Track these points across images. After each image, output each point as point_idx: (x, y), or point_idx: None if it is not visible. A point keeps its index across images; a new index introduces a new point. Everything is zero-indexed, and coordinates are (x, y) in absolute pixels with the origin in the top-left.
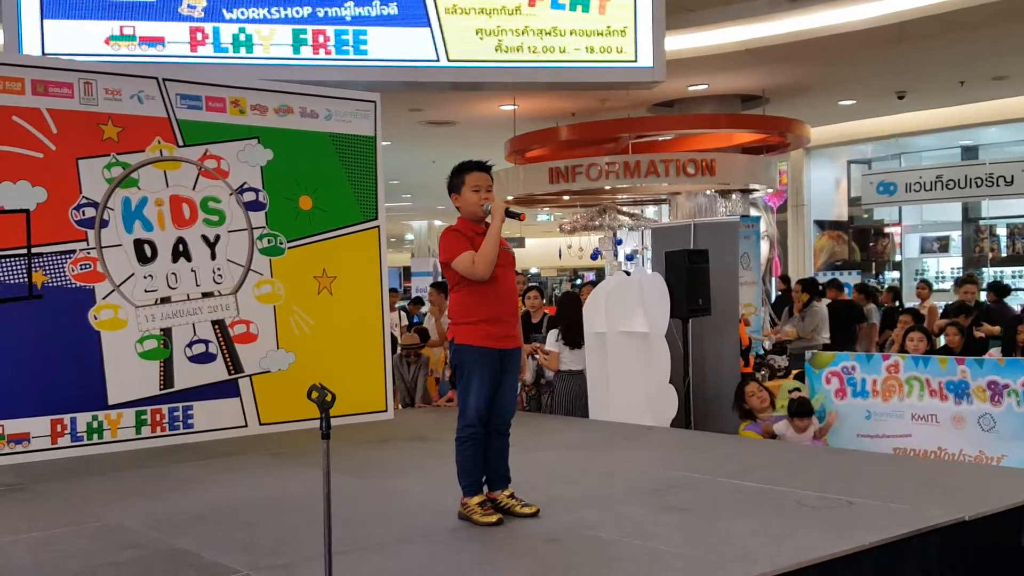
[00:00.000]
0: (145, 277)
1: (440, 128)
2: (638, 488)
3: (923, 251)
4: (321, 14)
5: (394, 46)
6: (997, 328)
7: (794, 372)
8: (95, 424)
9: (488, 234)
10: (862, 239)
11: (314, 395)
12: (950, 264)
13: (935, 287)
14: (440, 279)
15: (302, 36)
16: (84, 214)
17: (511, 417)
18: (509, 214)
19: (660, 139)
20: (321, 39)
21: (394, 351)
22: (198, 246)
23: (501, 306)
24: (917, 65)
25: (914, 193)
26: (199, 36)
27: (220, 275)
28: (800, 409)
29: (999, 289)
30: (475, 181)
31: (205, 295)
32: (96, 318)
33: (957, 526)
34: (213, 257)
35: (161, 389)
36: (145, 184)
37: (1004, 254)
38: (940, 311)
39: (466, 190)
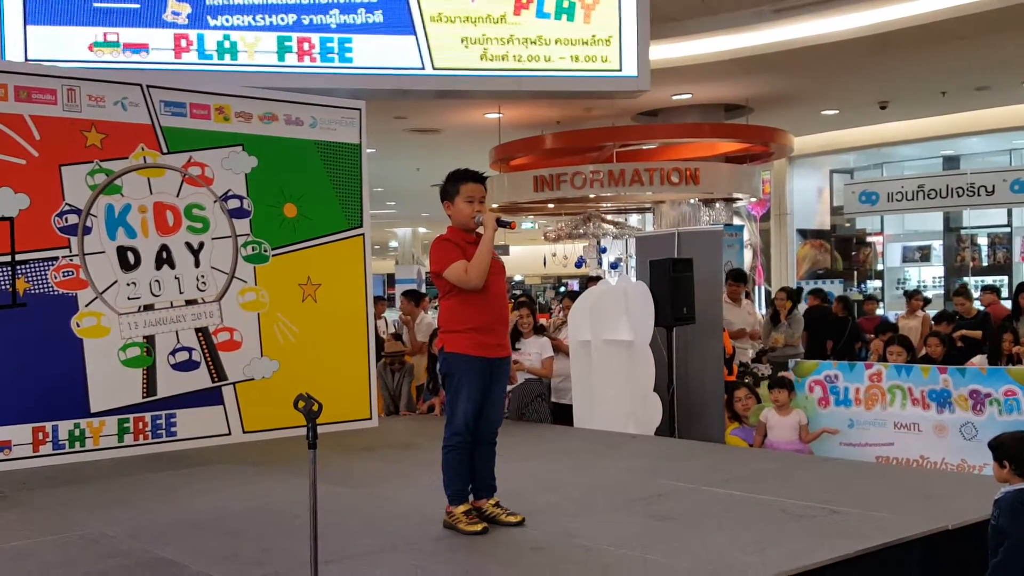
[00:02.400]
0: (128, 284)
1: (425, 136)
2: (623, 497)
3: (905, 260)
4: (306, 21)
5: (379, 54)
6: (979, 332)
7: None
8: (77, 432)
9: (480, 244)
10: (844, 248)
11: (301, 405)
12: (932, 273)
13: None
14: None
15: (287, 43)
16: (67, 221)
17: (498, 426)
18: (500, 223)
19: (644, 148)
20: (306, 47)
21: (378, 359)
22: (182, 253)
23: (491, 315)
24: (899, 75)
25: (896, 203)
26: (183, 43)
27: (204, 282)
28: (776, 382)
29: None
30: (469, 192)
31: (189, 302)
32: (79, 325)
33: (940, 535)
34: (197, 264)
35: (144, 397)
36: (128, 191)
37: (985, 263)
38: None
39: (459, 200)
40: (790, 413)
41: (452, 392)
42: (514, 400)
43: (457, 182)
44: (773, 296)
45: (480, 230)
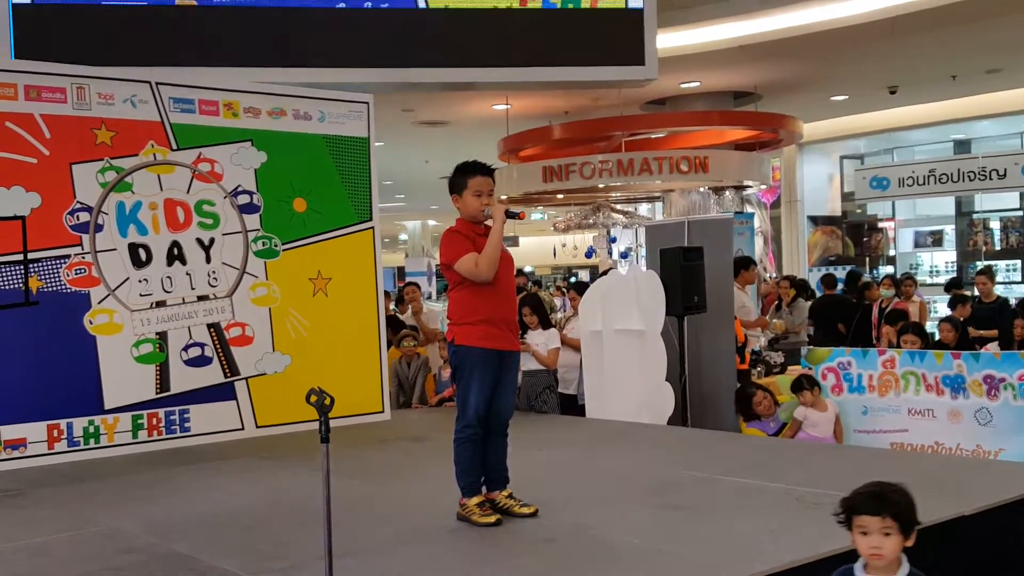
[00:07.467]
0: (140, 281)
1: (433, 128)
2: (636, 487)
3: (917, 245)
4: None
5: None
6: (994, 331)
7: (790, 368)
8: (92, 429)
9: (490, 237)
10: (856, 234)
11: (313, 399)
12: (944, 258)
13: (928, 281)
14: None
15: None
16: (78, 219)
17: (509, 417)
18: (509, 215)
19: (653, 137)
20: None
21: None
22: (193, 249)
23: (501, 307)
24: (909, 60)
25: (907, 188)
26: None
27: (215, 278)
28: (797, 385)
29: None
30: (478, 186)
31: (200, 298)
32: (91, 323)
33: (956, 521)
34: (208, 260)
35: (157, 393)
36: (139, 188)
37: (997, 247)
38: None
39: (468, 194)
40: (827, 407)
41: (463, 384)
42: (523, 392)
43: (465, 175)
44: (778, 284)
45: (489, 223)
